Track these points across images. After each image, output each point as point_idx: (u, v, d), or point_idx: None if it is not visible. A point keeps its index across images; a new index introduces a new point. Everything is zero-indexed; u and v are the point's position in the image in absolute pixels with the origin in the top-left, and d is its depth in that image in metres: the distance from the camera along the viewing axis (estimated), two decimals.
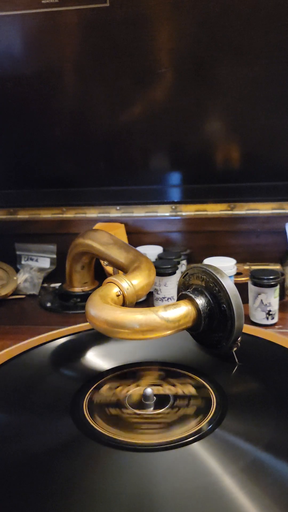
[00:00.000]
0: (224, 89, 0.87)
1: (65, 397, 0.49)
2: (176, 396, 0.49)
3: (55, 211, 1.03)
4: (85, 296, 0.81)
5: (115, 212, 1.01)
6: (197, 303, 0.51)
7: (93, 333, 0.63)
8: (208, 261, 0.79)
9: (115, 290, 0.55)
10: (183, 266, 0.89)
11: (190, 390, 0.50)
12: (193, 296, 0.52)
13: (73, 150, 0.98)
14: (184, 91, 0.88)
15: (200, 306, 0.51)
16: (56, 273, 0.99)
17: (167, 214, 1.00)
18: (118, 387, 0.51)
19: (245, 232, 0.96)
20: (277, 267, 0.88)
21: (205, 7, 0.78)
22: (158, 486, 0.36)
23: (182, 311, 0.50)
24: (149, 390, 0.47)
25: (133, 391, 0.50)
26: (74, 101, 0.92)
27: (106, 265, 0.84)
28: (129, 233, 0.98)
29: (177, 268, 0.79)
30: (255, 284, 0.71)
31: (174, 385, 0.51)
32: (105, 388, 0.51)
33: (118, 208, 1.01)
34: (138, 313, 0.48)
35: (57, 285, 0.94)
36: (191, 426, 0.43)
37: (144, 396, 0.47)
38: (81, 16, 0.80)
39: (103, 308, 0.50)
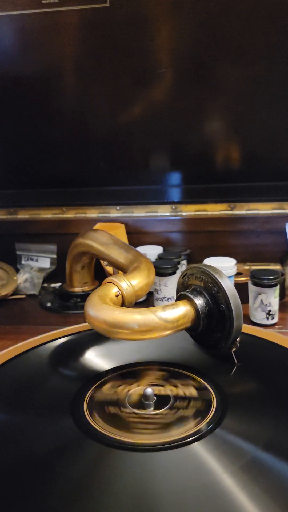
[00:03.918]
0: (224, 89, 0.87)
1: (65, 397, 0.49)
2: (176, 396, 0.49)
3: (55, 211, 1.03)
4: (85, 296, 0.81)
5: (115, 212, 1.01)
6: (195, 304, 0.51)
7: (93, 333, 0.63)
8: (208, 261, 0.79)
9: (114, 290, 0.55)
10: (183, 266, 0.89)
11: (190, 390, 0.50)
12: (191, 297, 0.52)
13: (73, 150, 0.98)
14: (184, 91, 0.88)
15: (198, 307, 0.51)
16: (56, 273, 0.99)
17: (167, 214, 1.00)
18: (118, 387, 0.51)
19: (245, 232, 0.96)
20: (277, 267, 0.88)
21: (205, 7, 0.78)
22: (158, 486, 0.36)
23: (180, 311, 0.50)
24: (149, 390, 0.47)
25: (133, 391, 0.50)
26: (74, 101, 0.92)
27: (106, 265, 0.84)
28: (129, 233, 0.98)
29: (177, 268, 0.79)
30: (255, 284, 0.71)
31: (174, 385, 0.51)
32: (105, 388, 0.51)
33: (118, 208, 1.01)
34: (137, 313, 0.48)
35: (57, 285, 0.94)
36: (191, 426, 0.43)
37: (144, 396, 0.47)
38: (81, 16, 0.80)
39: (102, 309, 0.50)
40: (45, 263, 1.01)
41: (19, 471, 0.38)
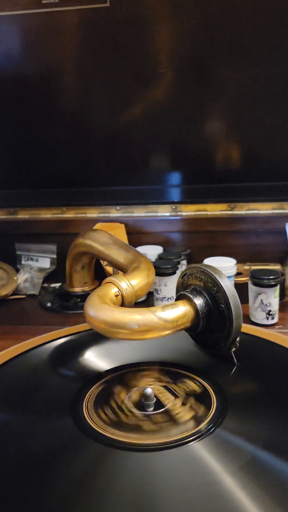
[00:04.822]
0: (224, 89, 0.87)
1: (65, 397, 0.49)
2: (176, 396, 0.49)
3: (55, 211, 1.03)
4: (85, 296, 0.81)
5: (115, 212, 1.01)
6: (195, 303, 0.51)
7: (93, 333, 0.63)
8: (208, 261, 0.79)
9: (114, 290, 0.55)
10: (183, 266, 0.89)
11: (190, 390, 0.50)
12: (191, 296, 0.52)
13: (73, 150, 0.98)
14: (184, 91, 0.88)
15: (198, 307, 0.51)
16: (56, 273, 0.99)
17: (167, 214, 1.00)
18: (118, 387, 0.51)
19: (245, 232, 0.96)
20: (277, 267, 0.88)
21: (205, 8, 0.78)
22: (158, 486, 0.36)
23: (180, 311, 0.50)
24: (149, 390, 0.47)
25: (133, 391, 0.50)
26: (74, 101, 0.93)
27: (106, 265, 0.84)
28: (129, 233, 0.98)
29: (177, 268, 0.79)
30: (255, 284, 0.71)
31: (174, 385, 0.51)
32: (105, 388, 0.51)
33: (118, 208, 1.01)
34: (136, 313, 0.48)
35: (57, 285, 0.94)
36: (191, 426, 0.43)
37: (144, 396, 0.47)
38: (81, 16, 0.80)
39: (101, 309, 0.50)
40: (45, 263, 1.01)
41: (19, 471, 0.38)
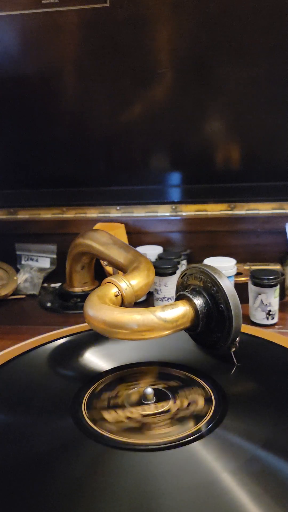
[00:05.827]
0: (224, 89, 0.87)
1: (65, 398, 0.49)
2: (176, 396, 0.49)
3: (55, 211, 1.03)
4: (85, 296, 0.80)
5: (115, 212, 1.01)
6: (195, 303, 0.51)
7: (93, 333, 0.63)
8: (208, 261, 0.79)
9: (114, 290, 0.55)
10: (183, 266, 0.89)
11: (190, 390, 0.50)
12: (191, 297, 0.52)
13: (73, 150, 0.98)
14: (184, 91, 0.88)
15: (198, 307, 0.51)
16: (56, 273, 0.99)
17: (167, 214, 1.00)
18: (118, 387, 0.51)
19: (245, 232, 0.96)
20: (277, 267, 0.88)
21: (205, 7, 0.78)
22: (158, 486, 0.36)
23: (180, 311, 0.50)
24: (149, 390, 0.47)
25: (133, 391, 0.50)
26: (74, 101, 0.93)
27: (106, 265, 0.84)
28: (129, 233, 0.98)
29: (177, 268, 0.79)
30: (255, 284, 0.71)
31: (174, 385, 0.51)
32: (105, 388, 0.51)
33: (118, 208, 1.01)
34: (136, 313, 0.48)
35: (57, 285, 0.94)
36: (191, 426, 0.43)
37: (144, 396, 0.47)
38: (81, 16, 0.80)
39: (101, 309, 0.50)
40: (45, 263, 1.01)
41: (19, 471, 0.38)
